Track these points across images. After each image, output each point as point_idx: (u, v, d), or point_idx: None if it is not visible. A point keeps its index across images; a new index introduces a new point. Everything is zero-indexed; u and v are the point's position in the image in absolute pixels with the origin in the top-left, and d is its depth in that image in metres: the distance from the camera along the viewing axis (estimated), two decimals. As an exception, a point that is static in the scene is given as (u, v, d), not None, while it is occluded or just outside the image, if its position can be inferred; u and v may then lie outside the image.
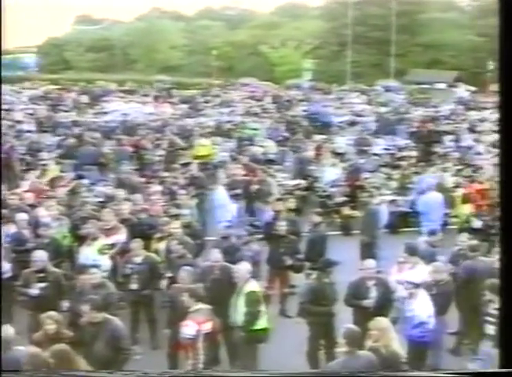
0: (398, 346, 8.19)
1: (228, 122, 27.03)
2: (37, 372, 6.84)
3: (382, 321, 8.21)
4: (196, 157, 20.18)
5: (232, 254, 11.42)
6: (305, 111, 31.24)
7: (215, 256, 10.62)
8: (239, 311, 9.38)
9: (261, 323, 9.47)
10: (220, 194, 15.63)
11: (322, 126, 27.64)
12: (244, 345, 9.51)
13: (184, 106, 33.02)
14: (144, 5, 76.95)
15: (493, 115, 33.67)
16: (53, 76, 50.89)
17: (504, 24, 4.78)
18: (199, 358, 8.60)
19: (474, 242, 11.45)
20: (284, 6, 78.43)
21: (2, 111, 23.24)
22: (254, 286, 9.54)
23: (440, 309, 9.61)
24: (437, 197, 15.91)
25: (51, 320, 8.22)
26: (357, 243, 14.23)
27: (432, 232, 12.65)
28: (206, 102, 35.51)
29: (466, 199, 15.97)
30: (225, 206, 15.33)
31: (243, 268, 9.72)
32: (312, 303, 9.86)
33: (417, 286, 9.50)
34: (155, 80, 45.77)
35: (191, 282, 9.68)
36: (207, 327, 8.67)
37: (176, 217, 13.09)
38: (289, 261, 12.10)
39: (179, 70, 64.38)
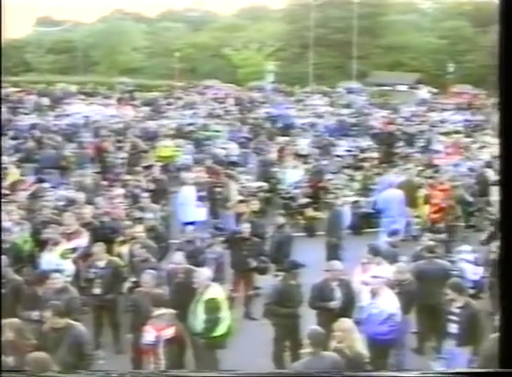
0: (362, 347, 8.25)
1: (191, 124, 26.99)
2: (37, 372, 6.77)
3: (346, 322, 8.26)
4: (159, 158, 20.09)
5: (196, 257, 11.40)
6: (267, 113, 31.34)
7: (179, 259, 10.58)
8: (198, 318, 9.30)
9: (221, 330, 9.41)
10: (185, 195, 15.57)
11: (284, 127, 27.75)
12: (204, 350, 9.46)
13: (147, 108, 32.89)
14: (106, 6, 76.57)
15: (454, 117, 34.22)
16: (13, 78, 50.21)
17: (504, 24, 4.81)
18: (161, 364, 8.54)
19: (433, 243, 11.55)
20: (246, 8, 78.60)
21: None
22: (213, 292, 9.42)
23: (404, 309, 9.69)
24: (396, 194, 16.08)
25: (11, 328, 8.08)
26: (321, 245, 14.28)
27: (393, 233, 12.77)
28: (169, 104, 35.44)
29: (427, 200, 16.11)
30: (190, 208, 15.28)
31: (203, 274, 9.64)
32: (277, 305, 9.86)
33: (380, 285, 9.57)
34: (117, 82, 45.53)
35: (154, 286, 9.62)
36: (169, 332, 8.61)
37: (139, 220, 13.00)
38: (253, 264, 12.10)
39: (141, 72, 64.05)
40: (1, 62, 13.49)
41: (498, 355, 4.50)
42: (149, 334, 8.58)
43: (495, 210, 14.77)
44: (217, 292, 9.53)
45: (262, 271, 12.42)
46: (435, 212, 15.63)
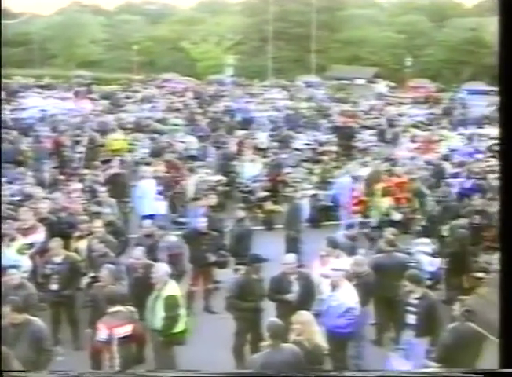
0: (321, 339, 8.31)
1: (150, 117, 26.82)
2: (37, 372, 6.69)
3: (305, 315, 8.31)
4: (110, 151, 19.90)
5: (155, 252, 11.35)
6: (226, 106, 31.27)
7: (138, 254, 10.52)
8: (157, 315, 9.24)
9: (180, 326, 9.36)
10: (144, 189, 15.47)
11: (244, 121, 27.73)
12: (163, 347, 9.42)
13: (105, 102, 32.56)
14: (64, -1, 75.61)
15: (411, 110, 34.60)
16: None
17: (504, 24, 4.83)
18: (115, 362, 8.48)
19: (391, 236, 11.67)
20: (205, 1, 78.43)
21: None
22: (172, 289, 9.36)
23: (362, 301, 9.78)
24: (346, 182, 16.30)
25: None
26: (280, 238, 14.33)
27: (351, 226, 12.86)
28: (127, 98, 35.15)
29: (385, 193, 16.25)
30: (149, 202, 15.20)
31: (161, 269, 9.55)
32: (239, 299, 9.87)
33: (339, 278, 9.65)
34: (75, 75, 44.97)
35: (113, 281, 9.55)
36: (125, 330, 8.53)
37: (97, 215, 12.89)
38: (212, 258, 12.09)
39: (99, 65, 63.49)
40: (0, 60, 13.20)
41: (498, 355, 4.56)
42: (102, 332, 8.51)
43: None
44: (176, 288, 9.48)
45: (221, 265, 12.43)
46: (393, 205, 15.78)
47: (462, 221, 13.51)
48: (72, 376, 6.83)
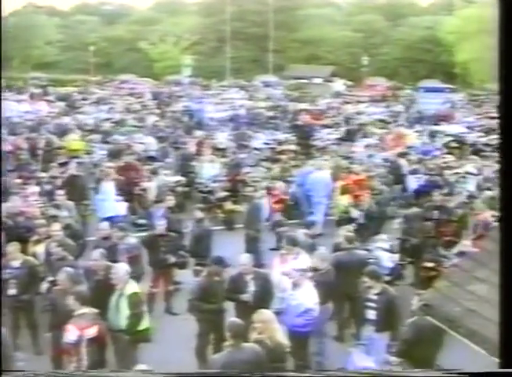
0: (282, 337, 8.34)
1: (107, 119, 26.61)
2: (37, 372, 6.56)
3: (265, 313, 8.33)
4: (68, 152, 19.71)
5: (114, 254, 11.26)
6: (185, 107, 31.20)
7: (97, 256, 10.43)
8: (121, 314, 9.22)
9: (145, 324, 9.39)
10: (104, 191, 15.35)
11: (202, 121, 27.69)
12: (129, 346, 9.39)
13: (61, 104, 32.22)
14: (19, 0, 74.51)
15: (369, 109, 34.93)
16: None
17: (504, 23, 4.85)
18: (83, 363, 8.42)
19: (351, 233, 11.77)
20: (162, 2, 78.13)
21: None
22: (134, 287, 9.40)
23: (322, 298, 9.84)
24: (323, 176, 16.47)
25: None
26: (241, 237, 14.34)
27: (311, 224, 12.93)
28: (84, 99, 34.85)
29: (344, 190, 16.38)
30: (110, 204, 15.08)
31: (120, 269, 9.55)
32: (201, 300, 9.85)
33: (301, 275, 9.69)
34: (31, 77, 44.43)
35: (73, 284, 9.45)
36: (92, 331, 8.49)
37: (54, 218, 12.73)
38: (172, 259, 12.04)
39: (55, 66, 62.84)
40: (1, 60, 12.95)
41: (498, 355, 4.61)
42: (71, 334, 8.44)
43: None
44: (137, 287, 9.51)
45: (181, 266, 12.40)
46: (352, 202, 15.90)
47: (413, 211, 13.82)
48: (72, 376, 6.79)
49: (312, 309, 9.45)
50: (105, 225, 12.41)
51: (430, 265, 12.07)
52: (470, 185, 17.13)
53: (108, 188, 15.48)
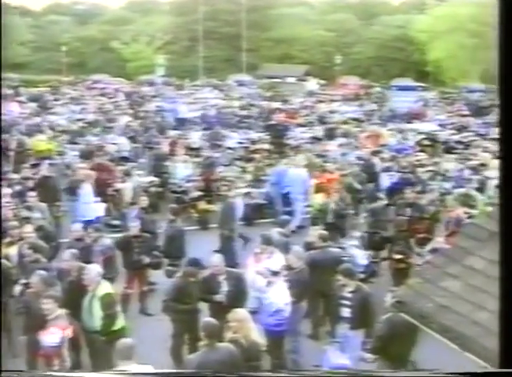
0: (257, 336, 8.35)
1: (80, 120, 26.42)
2: (37, 372, 6.48)
3: (240, 313, 8.33)
4: (36, 153, 19.53)
5: (87, 256, 11.18)
6: (158, 106, 31.09)
7: (69, 257, 10.36)
8: (95, 315, 9.18)
9: (119, 323, 9.37)
10: (80, 192, 15.22)
11: (176, 121, 27.61)
12: (105, 347, 9.33)
13: (33, 104, 31.93)
14: (-13, 0, 73.62)
15: (342, 107, 35.05)
16: None
17: (504, 23, 4.85)
18: (65, 365, 8.38)
19: (325, 232, 11.81)
20: (135, 1, 77.81)
21: None
22: (106, 288, 9.37)
23: (297, 296, 9.86)
24: (300, 174, 16.55)
25: None
26: (215, 237, 14.31)
27: (285, 222, 12.95)
28: (56, 100, 34.57)
29: (318, 189, 16.43)
30: (86, 206, 14.96)
31: (92, 270, 9.51)
32: (176, 301, 9.82)
33: (274, 274, 9.71)
34: (2, 78, 43.93)
35: (46, 286, 9.38)
36: (69, 332, 8.46)
37: (27, 220, 12.61)
38: (146, 260, 11.98)
39: (27, 67, 62.21)
40: (1, 61, 12.76)
41: (498, 355, 4.62)
42: (54, 336, 8.38)
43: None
44: (110, 287, 9.48)
45: (156, 266, 12.35)
46: (326, 201, 15.94)
47: (380, 205, 13.97)
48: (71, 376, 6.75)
49: (283, 308, 9.47)
50: (78, 226, 12.33)
51: (399, 257, 12.14)
52: (447, 183, 17.24)
53: (87, 190, 15.33)
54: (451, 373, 4.69)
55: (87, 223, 13.17)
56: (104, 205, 15.76)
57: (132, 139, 22.44)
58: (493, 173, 16.71)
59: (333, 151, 21.22)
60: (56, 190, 15.88)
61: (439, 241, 11.79)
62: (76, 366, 8.68)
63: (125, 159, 19.53)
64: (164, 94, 37.45)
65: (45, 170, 16.58)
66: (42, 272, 9.72)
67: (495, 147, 22.67)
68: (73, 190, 15.52)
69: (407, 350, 8.64)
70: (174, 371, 9.08)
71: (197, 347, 8.35)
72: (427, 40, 56.04)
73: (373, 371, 7.97)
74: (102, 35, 65.47)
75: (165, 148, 20.55)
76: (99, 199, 15.70)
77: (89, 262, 10.43)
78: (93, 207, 15.12)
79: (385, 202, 14.79)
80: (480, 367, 4.83)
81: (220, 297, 9.77)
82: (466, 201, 14.33)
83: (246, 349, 7.90)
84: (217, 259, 10.17)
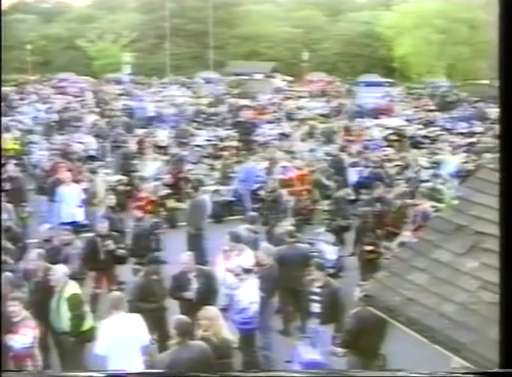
0: (228, 333, 8.34)
1: (46, 118, 26.18)
2: (37, 372, 6.38)
3: (210, 310, 8.32)
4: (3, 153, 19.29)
5: (54, 256, 11.07)
6: (125, 105, 30.92)
7: (35, 258, 10.26)
8: (63, 316, 9.10)
9: (88, 324, 9.29)
10: (63, 195, 15.03)
11: (143, 119, 27.49)
12: (74, 347, 9.27)
13: (-2, 104, 31.52)
14: (-50, -2, 72.60)
15: (309, 103, 35.17)
16: None
17: (504, 22, 4.83)
18: (38, 365, 8.30)
19: (292, 227, 11.84)
20: (101, -1, 77.05)
21: None
22: (73, 288, 9.29)
23: (267, 293, 9.87)
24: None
25: None
26: (184, 235, 14.26)
27: (253, 219, 12.96)
28: (22, 99, 34.21)
29: (285, 185, 16.45)
30: (68, 209, 14.79)
31: (59, 271, 9.43)
32: (141, 300, 9.76)
33: (245, 271, 9.71)
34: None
35: (13, 288, 9.28)
36: (36, 333, 8.40)
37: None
38: (115, 259, 11.89)
39: (-9, 66, 61.31)
40: (1, 61, 12.49)
41: (498, 355, 4.64)
42: (27, 337, 8.30)
43: None
44: (76, 287, 9.40)
45: (123, 264, 12.28)
46: (295, 195, 15.98)
47: (342, 194, 14.10)
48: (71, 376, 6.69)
49: (253, 304, 9.48)
50: (46, 227, 12.21)
51: (369, 248, 12.20)
52: (422, 177, 17.37)
53: (70, 191, 15.13)
54: (451, 373, 4.72)
55: (61, 225, 13.04)
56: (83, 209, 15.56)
57: (99, 138, 22.26)
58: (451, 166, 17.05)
59: (301, 147, 21.27)
60: (23, 190, 15.69)
61: (406, 235, 11.87)
62: (46, 367, 8.59)
63: (92, 158, 19.38)
64: (131, 92, 37.24)
65: (11, 170, 16.37)
66: (9, 274, 9.62)
67: (460, 141, 22.99)
68: (47, 190, 15.31)
69: (377, 344, 8.70)
70: (145, 371, 9.04)
71: (166, 345, 8.32)
72: (394, 36, 56.38)
73: (369, 371, 7.99)
74: (68, 33, 64.79)
75: (132, 146, 20.43)
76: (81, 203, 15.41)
77: (56, 263, 10.35)
78: (74, 211, 14.89)
79: (353, 196, 14.88)
80: (480, 368, 4.86)
81: (190, 294, 9.74)
82: (433, 195, 14.47)
83: (217, 347, 7.88)
84: (186, 257, 10.14)
